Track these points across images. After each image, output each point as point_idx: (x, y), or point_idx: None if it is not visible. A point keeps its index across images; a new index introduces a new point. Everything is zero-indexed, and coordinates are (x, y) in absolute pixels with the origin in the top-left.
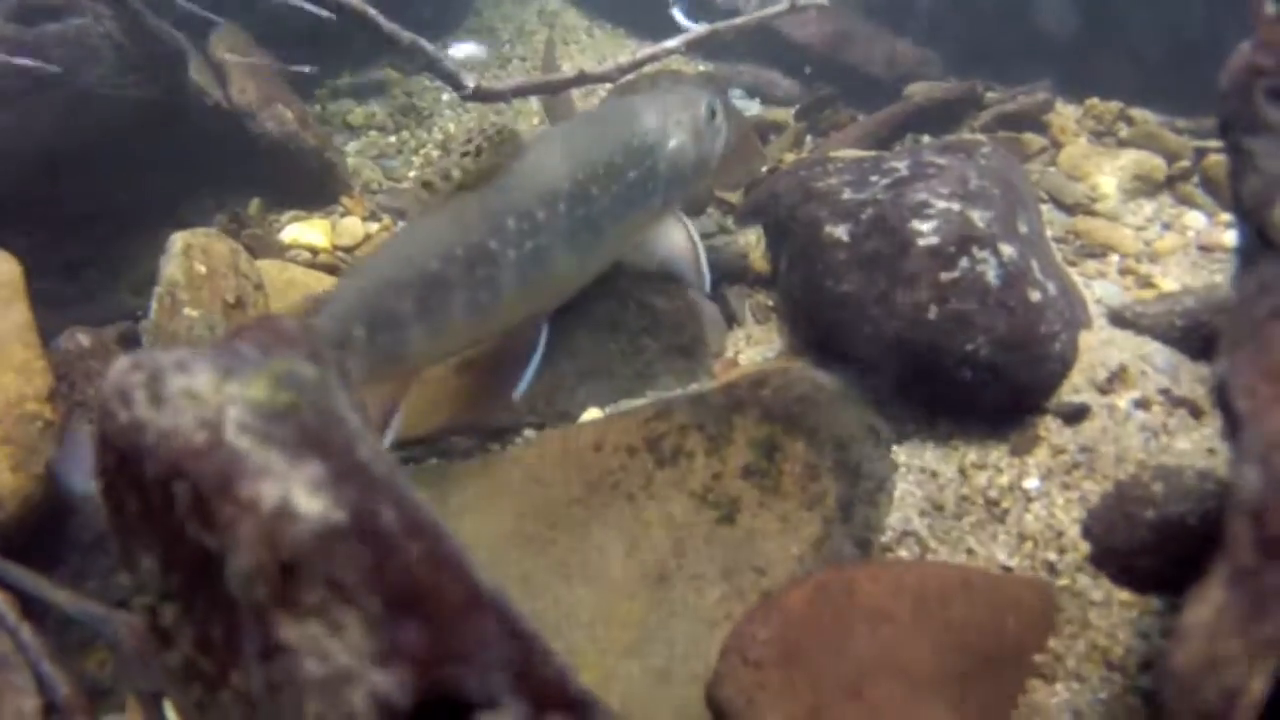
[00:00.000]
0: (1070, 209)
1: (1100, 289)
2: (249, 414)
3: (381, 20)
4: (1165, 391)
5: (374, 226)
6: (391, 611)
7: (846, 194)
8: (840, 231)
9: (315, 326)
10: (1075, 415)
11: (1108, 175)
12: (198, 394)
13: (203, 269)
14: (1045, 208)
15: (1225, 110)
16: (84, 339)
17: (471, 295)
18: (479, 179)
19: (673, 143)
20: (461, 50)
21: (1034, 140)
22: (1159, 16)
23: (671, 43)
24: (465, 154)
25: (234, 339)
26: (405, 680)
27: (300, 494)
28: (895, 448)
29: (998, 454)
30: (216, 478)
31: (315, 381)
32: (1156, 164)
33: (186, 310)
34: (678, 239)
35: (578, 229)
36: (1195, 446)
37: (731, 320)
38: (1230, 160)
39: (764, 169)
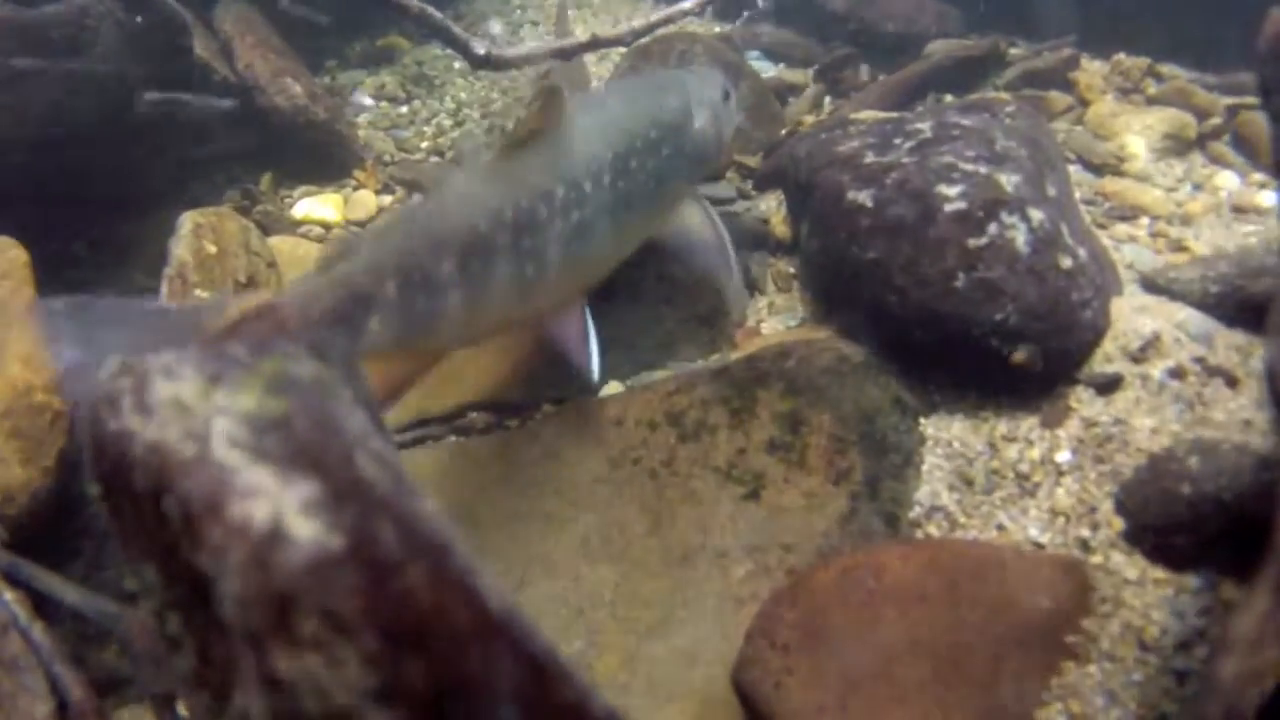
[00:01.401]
0: (1098, 169)
1: (1131, 253)
2: (238, 425)
3: None
4: (1200, 360)
5: (387, 199)
6: (391, 645)
7: (869, 157)
8: (863, 196)
9: (339, 279)
10: (1108, 385)
11: (1136, 134)
12: (184, 403)
13: (213, 248)
14: (1072, 168)
15: (1265, 74)
16: None
17: (517, 266)
18: (526, 139)
19: (698, 122)
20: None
21: (1059, 98)
22: None
23: (687, 4)
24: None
25: (226, 336)
26: None
27: (293, 516)
28: (922, 420)
29: (1028, 426)
30: (205, 497)
31: (311, 382)
32: (1187, 122)
33: (198, 291)
34: (705, 233)
35: (618, 203)
36: (1230, 417)
37: (753, 288)
38: (1271, 126)
39: (783, 132)
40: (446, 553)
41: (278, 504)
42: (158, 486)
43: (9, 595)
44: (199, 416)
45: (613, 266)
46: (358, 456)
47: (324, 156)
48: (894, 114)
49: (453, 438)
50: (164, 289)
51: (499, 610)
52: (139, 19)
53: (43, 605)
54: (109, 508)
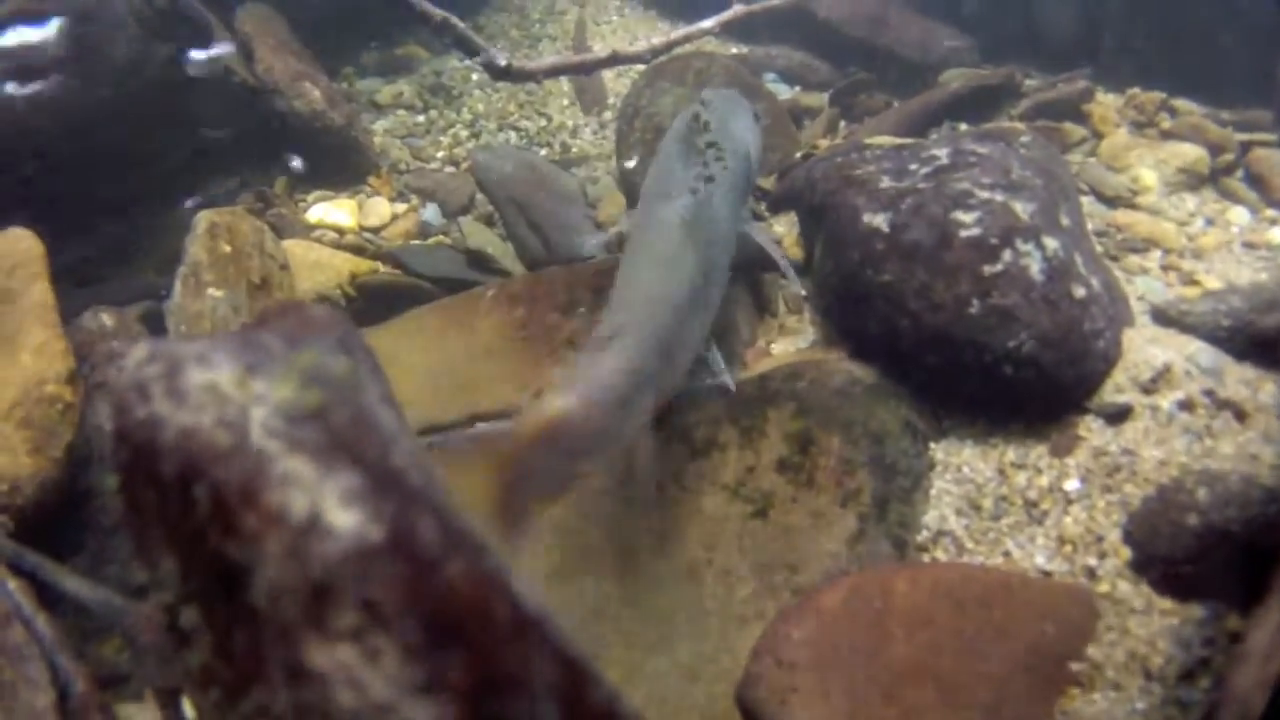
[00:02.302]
0: (1111, 201)
1: (1143, 285)
2: (275, 415)
3: None
4: (1209, 393)
5: (401, 207)
6: (432, 638)
7: (885, 181)
8: (879, 220)
9: (595, 359)
10: (1117, 415)
11: (1150, 167)
12: (220, 390)
13: (227, 249)
14: (1085, 200)
15: None
16: (107, 319)
17: (702, 320)
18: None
19: (753, 151)
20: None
21: (1074, 130)
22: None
23: (706, 23)
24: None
25: (258, 328)
26: (448, 714)
27: (332, 506)
28: (932, 444)
29: (1037, 454)
30: (240, 484)
31: (345, 376)
32: (1200, 156)
33: (211, 291)
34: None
35: (729, 235)
36: (1239, 450)
37: (764, 309)
38: None
39: (798, 154)
40: (484, 550)
41: (316, 493)
42: (188, 473)
43: (12, 584)
44: (236, 404)
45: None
46: (394, 450)
47: (340, 162)
48: (909, 140)
49: None
50: (177, 286)
51: (535, 610)
52: (161, 18)
53: (45, 597)
54: (127, 497)
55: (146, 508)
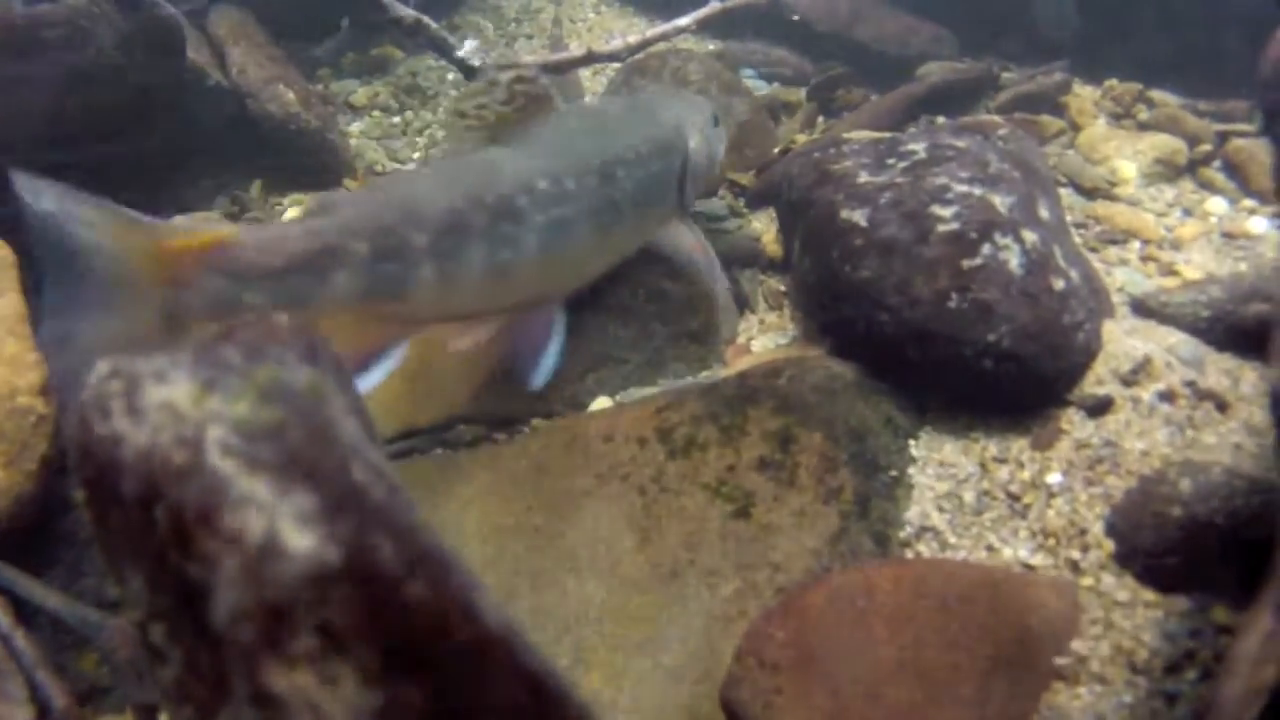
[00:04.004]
0: (1089, 193)
1: (1122, 276)
2: (232, 433)
3: None
4: (1191, 384)
5: None
6: (390, 663)
7: (863, 177)
8: (857, 216)
9: (312, 228)
10: (1099, 408)
11: (1128, 159)
12: (177, 408)
13: None
14: (1064, 191)
15: (1268, 100)
16: None
17: (491, 250)
18: (508, 130)
19: (691, 144)
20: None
21: (1052, 122)
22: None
23: (683, 20)
24: (505, 101)
25: (220, 340)
26: None
27: (288, 528)
28: (913, 440)
29: (1019, 447)
30: (197, 505)
31: (307, 389)
32: (1178, 147)
33: None
34: (696, 254)
35: (602, 209)
36: (1221, 441)
37: (743, 305)
38: (1275, 153)
39: (776, 150)
40: (446, 567)
41: (273, 515)
42: (148, 492)
43: None
44: (192, 422)
45: (593, 275)
46: (354, 467)
47: (315, 164)
48: (887, 134)
49: (440, 450)
50: None
51: (498, 627)
52: (132, 22)
53: (22, 611)
54: (94, 513)
55: (113, 525)
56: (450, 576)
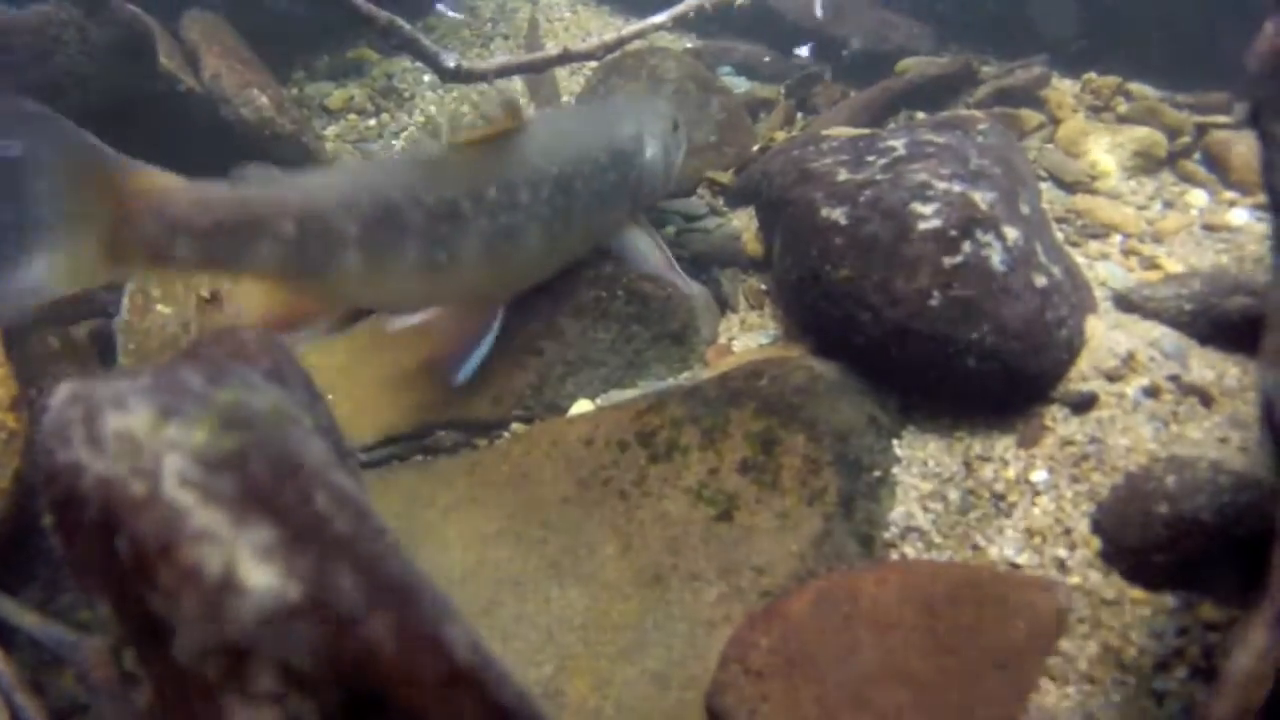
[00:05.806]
0: (1070, 187)
1: (1104, 271)
2: (190, 463)
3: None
4: (1174, 378)
5: None
6: (355, 701)
7: (842, 174)
8: (837, 214)
9: (243, 196)
10: (1083, 404)
11: (1108, 152)
12: (134, 437)
13: None
14: (1044, 186)
15: (1256, 95)
16: (53, 340)
17: (426, 248)
18: (475, 144)
19: (649, 152)
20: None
21: (1031, 116)
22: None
23: (659, 18)
24: (483, 118)
25: (183, 361)
26: None
27: (247, 563)
28: (896, 440)
29: (1003, 445)
30: (156, 538)
31: (270, 413)
32: (1158, 140)
33: (159, 307)
34: (649, 251)
35: (554, 217)
36: (1206, 435)
37: (724, 305)
38: (1261, 149)
39: (755, 148)
40: (412, 599)
41: (230, 550)
42: (110, 522)
43: None
44: (149, 452)
45: (541, 277)
46: (317, 495)
47: (291, 169)
48: (866, 131)
49: (420, 457)
50: (125, 303)
51: (467, 660)
52: (101, 28)
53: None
54: (62, 539)
55: (80, 553)
56: (417, 609)
